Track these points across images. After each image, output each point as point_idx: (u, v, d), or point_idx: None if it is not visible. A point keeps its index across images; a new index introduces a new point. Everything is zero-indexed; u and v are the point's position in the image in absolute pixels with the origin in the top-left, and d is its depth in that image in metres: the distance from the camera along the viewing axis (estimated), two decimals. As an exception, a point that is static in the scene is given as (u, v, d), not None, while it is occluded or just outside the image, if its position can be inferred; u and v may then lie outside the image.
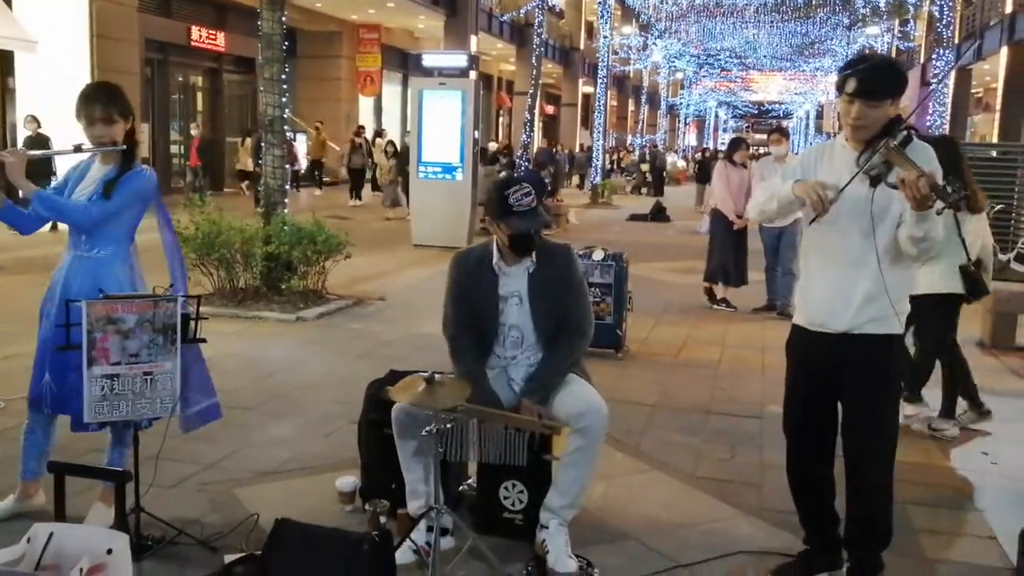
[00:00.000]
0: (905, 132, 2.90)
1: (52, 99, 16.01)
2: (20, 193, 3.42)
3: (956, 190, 2.59)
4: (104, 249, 3.41)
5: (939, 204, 2.62)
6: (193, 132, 18.99)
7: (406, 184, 16.32)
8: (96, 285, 3.33)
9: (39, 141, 12.38)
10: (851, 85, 2.90)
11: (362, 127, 22.96)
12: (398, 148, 18.08)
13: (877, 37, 30.60)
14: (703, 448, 4.74)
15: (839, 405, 3.14)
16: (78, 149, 3.44)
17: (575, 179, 30.94)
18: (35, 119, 13.43)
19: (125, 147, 3.43)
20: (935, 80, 17.69)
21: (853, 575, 3.17)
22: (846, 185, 2.91)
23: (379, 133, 23.81)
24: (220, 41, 21.86)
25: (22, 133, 14.98)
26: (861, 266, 2.95)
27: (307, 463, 4.28)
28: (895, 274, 2.95)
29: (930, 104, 17.16)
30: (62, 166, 12.23)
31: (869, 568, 3.15)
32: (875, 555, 3.15)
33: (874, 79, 2.90)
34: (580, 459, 3.32)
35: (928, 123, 17.20)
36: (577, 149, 34.59)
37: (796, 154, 12.06)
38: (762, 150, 33.79)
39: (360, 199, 20.06)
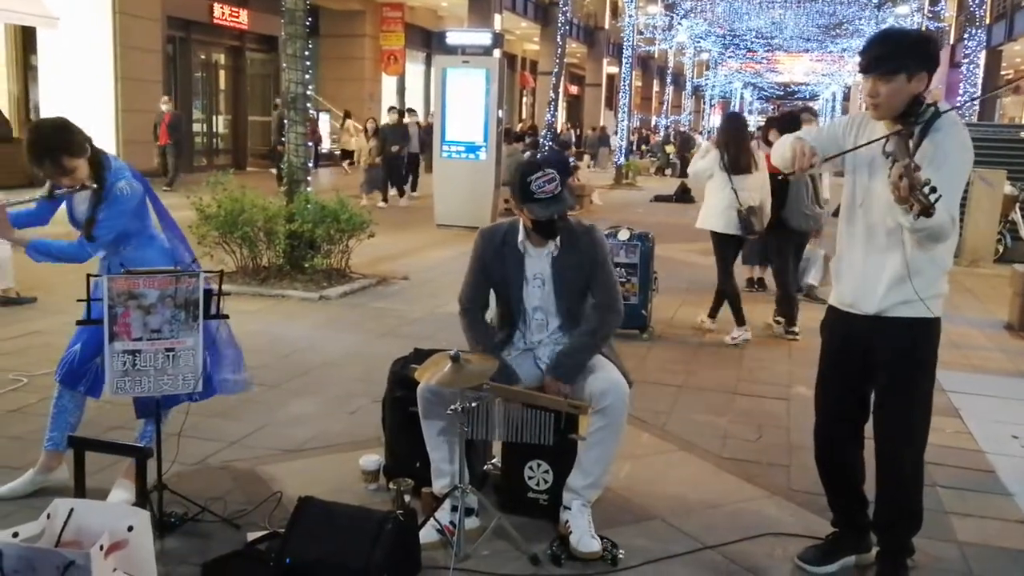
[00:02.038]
0: (932, 110, 2.80)
1: (74, 76, 16.13)
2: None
3: (928, 194, 2.43)
4: (127, 246, 3.41)
5: (916, 207, 2.46)
6: (163, 108, 16.56)
7: (393, 169, 15.69)
8: (140, 261, 3.34)
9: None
10: (863, 59, 2.82)
11: (397, 110, 22.30)
12: (378, 127, 16.32)
13: (906, 17, 30.09)
14: (729, 429, 4.68)
15: (871, 387, 3.07)
16: (51, 196, 3.34)
17: (585, 158, 30.71)
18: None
19: (95, 186, 3.29)
20: (965, 60, 17.34)
21: (882, 559, 3.12)
22: (830, 158, 2.92)
23: (403, 112, 23.48)
24: (243, 19, 21.84)
25: (46, 112, 15.08)
26: (889, 249, 2.89)
27: (330, 441, 4.27)
28: (924, 257, 2.85)
29: (960, 85, 16.86)
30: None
31: (899, 552, 3.10)
32: (905, 539, 3.09)
33: (884, 49, 2.81)
34: (603, 439, 3.27)
35: (958, 104, 16.89)
36: (590, 130, 34.34)
37: None
38: (788, 131, 33.19)
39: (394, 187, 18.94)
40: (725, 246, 6.51)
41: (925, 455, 3.07)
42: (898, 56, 2.79)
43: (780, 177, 2.97)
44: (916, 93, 2.80)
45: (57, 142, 3.21)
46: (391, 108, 18.11)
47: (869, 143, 2.84)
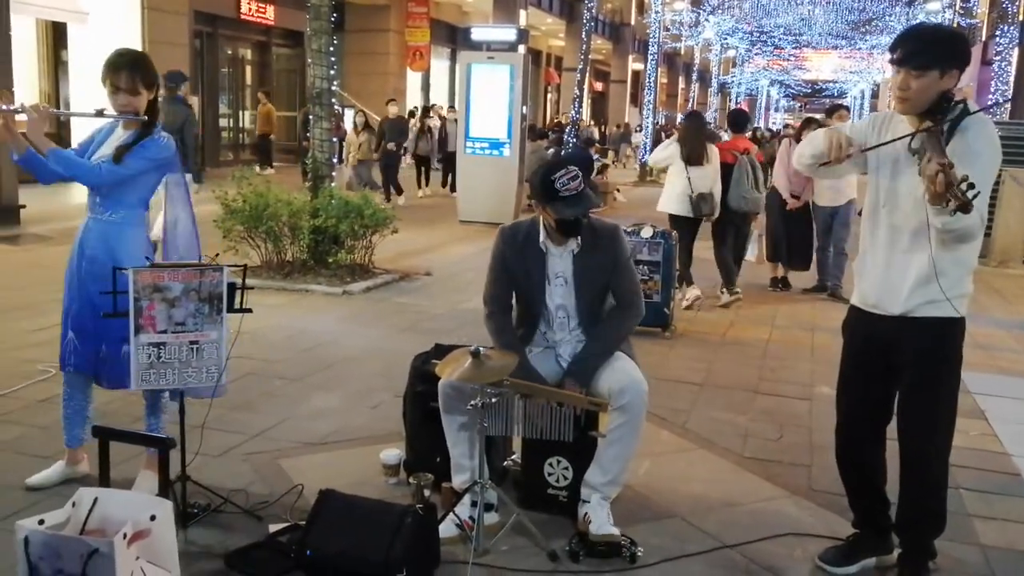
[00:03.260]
0: (961, 106, 2.76)
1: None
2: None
3: (966, 191, 2.39)
4: (116, 213, 3.43)
5: (953, 203, 2.43)
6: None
7: (388, 167, 14.65)
8: (110, 247, 3.38)
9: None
10: (897, 52, 2.79)
11: (432, 107, 21.26)
12: (368, 120, 14.93)
13: (937, 13, 29.71)
14: (750, 428, 4.66)
15: (894, 387, 3.03)
16: (100, 114, 3.46)
17: (609, 155, 30.58)
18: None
19: (146, 118, 3.42)
20: (997, 57, 17.08)
21: (904, 561, 3.10)
22: (870, 148, 2.85)
23: (426, 110, 23.47)
24: (269, 14, 21.94)
25: (75, 106, 15.22)
26: (915, 248, 2.85)
27: (352, 435, 4.30)
28: (949, 257, 2.82)
29: (991, 83, 16.61)
30: (77, 135, 12.37)
31: (921, 554, 3.07)
32: (927, 541, 3.07)
33: (919, 44, 2.78)
34: (622, 436, 3.27)
35: (989, 102, 16.66)
36: (615, 127, 34.19)
37: None
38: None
39: (428, 187, 16.77)
40: (680, 226, 7.35)
41: (949, 457, 3.04)
42: (933, 51, 2.76)
43: (821, 165, 2.93)
44: (945, 90, 2.77)
45: (142, 62, 3.48)
46: (390, 101, 16.39)
47: (900, 138, 2.80)
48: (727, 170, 7.48)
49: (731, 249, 7.83)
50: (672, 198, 7.44)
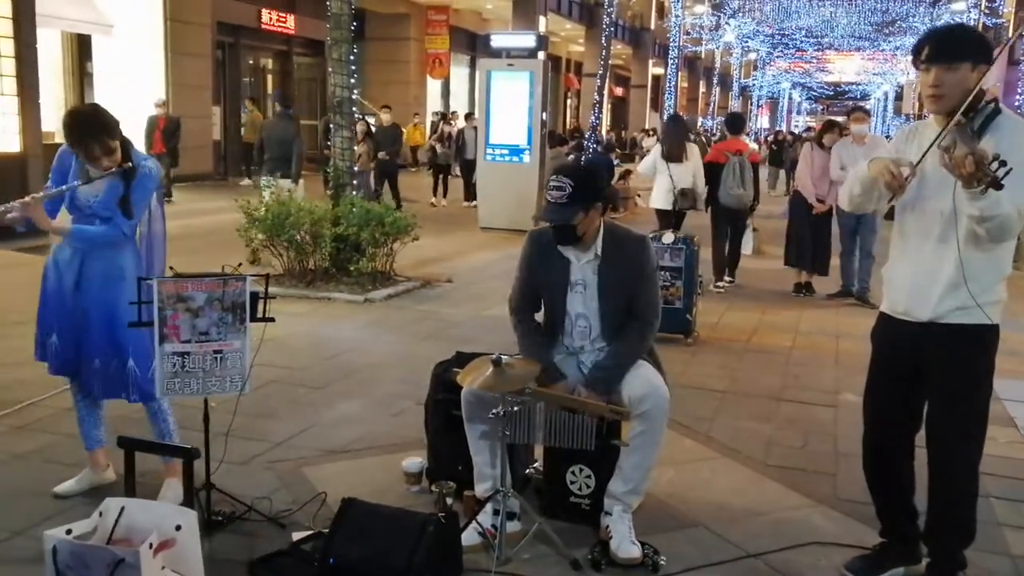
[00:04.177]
0: (992, 106, 2.72)
1: (128, 82, 16.48)
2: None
3: (996, 169, 2.38)
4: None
5: (985, 180, 2.41)
6: (157, 111, 13.91)
7: (388, 172, 13.88)
8: (116, 263, 3.42)
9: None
10: (925, 50, 2.75)
11: (450, 114, 21.05)
12: (370, 130, 13.68)
13: (963, 13, 29.42)
14: (774, 436, 4.63)
15: (923, 397, 2.98)
16: (88, 181, 3.40)
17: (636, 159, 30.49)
18: (165, 102, 14.24)
19: (130, 164, 3.39)
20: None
21: (933, 570, 3.05)
22: (919, 161, 2.75)
23: (445, 116, 23.48)
24: (290, 24, 22.13)
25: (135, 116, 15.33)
26: (944, 252, 2.80)
27: (374, 443, 4.31)
28: (979, 261, 2.76)
29: (1018, 83, 16.40)
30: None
31: (950, 563, 3.01)
32: (956, 551, 3.01)
33: (948, 39, 2.76)
34: (643, 444, 3.26)
35: (1017, 103, 16.47)
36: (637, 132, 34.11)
37: (875, 135, 11.56)
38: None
39: (445, 198, 16.26)
40: (664, 219, 8.29)
41: (979, 467, 2.98)
42: (962, 45, 2.74)
43: (888, 201, 2.86)
44: (975, 87, 2.72)
45: (99, 124, 3.33)
46: (384, 107, 15.30)
47: (937, 138, 2.69)
48: (720, 169, 8.27)
49: (729, 242, 8.68)
50: (658, 195, 8.37)
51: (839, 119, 9.55)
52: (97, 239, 3.39)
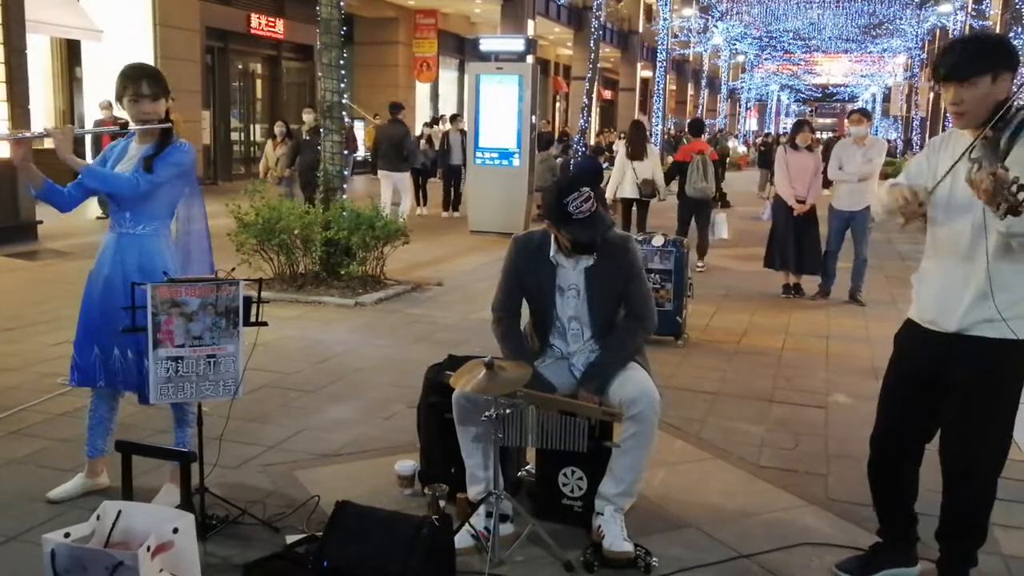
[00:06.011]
0: (1021, 114, 2.65)
1: (118, 88, 16.42)
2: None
3: (1016, 192, 2.30)
4: (148, 226, 3.48)
5: (1004, 205, 2.35)
6: (100, 114, 12.59)
7: (308, 181, 11.40)
8: (146, 261, 3.42)
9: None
10: (940, 70, 2.73)
11: (439, 118, 20.76)
12: (290, 131, 12.48)
13: (949, 16, 29.62)
14: (766, 437, 4.66)
15: (940, 408, 2.91)
16: (124, 127, 3.51)
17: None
18: (110, 104, 13.69)
19: (169, 124, 3.49)
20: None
21: (943, 567, 3.02)
22: (940, 180, 2.70)
23: (436, 120, 23.44)
24: (279, 28, 22.12)
25: (91, 121, 15.38)
26: (972, 262, 2.73)
27: (366, 446, 4.32)
28: (1010, 272, 2.69)
29: None
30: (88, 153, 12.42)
31: (964, 562, 2.98)
32: (973, 552, 2.98)
33: (960, 56, 2.71)
34: (634, 446, 3.27)
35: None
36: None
37: (875, 136, 11.51)
38: (826, 135, 32.86)
39: (426, 207, 15.62)
40: (627, 208, 10.35)
41: (998, 476, 2.93)
42: (977, 58, 2.68)
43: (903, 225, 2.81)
44: (1002, 97, 2.67)
45: (157, 72, 3.62)
46: (306, 108, 13.29)
47: (957, 161, 2.67)
48: (686, 167, 9.67)
49: (698, 231, 9.93)
50: (626, 187, 10.16)
51: (828, 120, 9.80)
52: (110, 180, 3.41)
